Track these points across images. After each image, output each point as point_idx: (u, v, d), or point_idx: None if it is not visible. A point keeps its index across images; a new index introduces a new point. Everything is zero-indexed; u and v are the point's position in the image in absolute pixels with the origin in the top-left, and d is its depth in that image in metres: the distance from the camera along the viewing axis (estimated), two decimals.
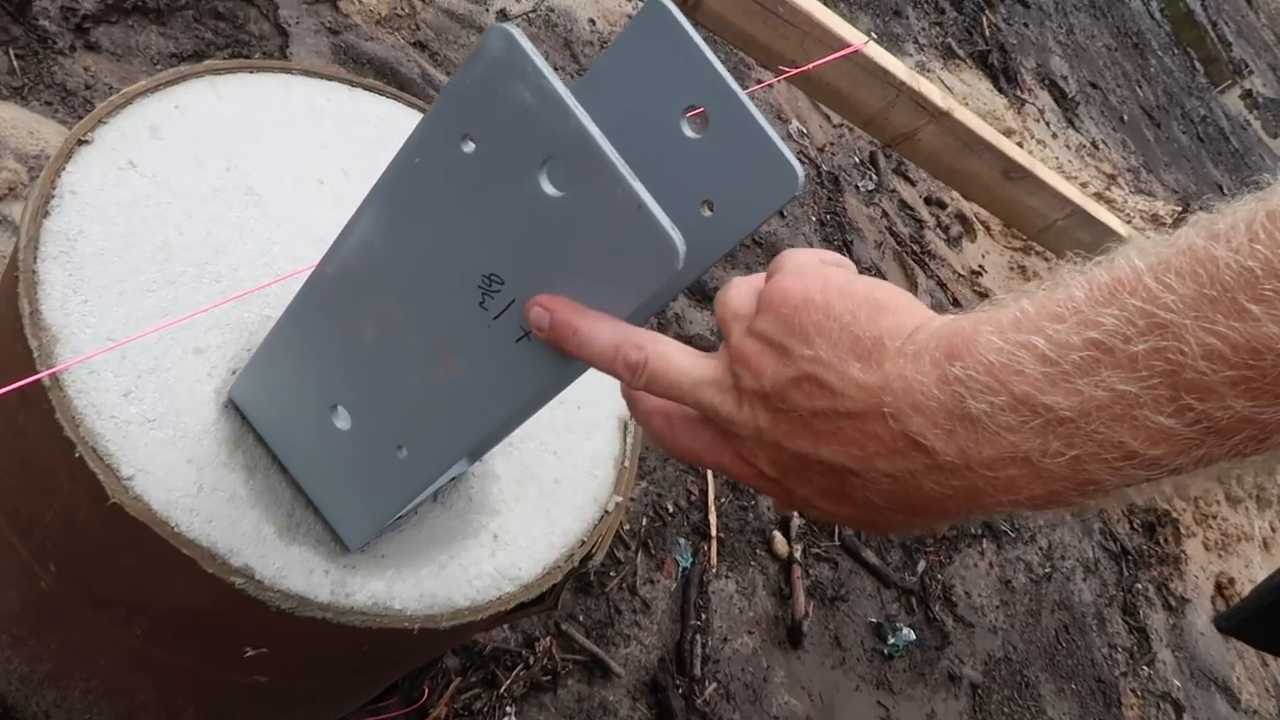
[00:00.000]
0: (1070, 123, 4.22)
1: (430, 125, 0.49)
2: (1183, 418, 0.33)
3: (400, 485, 0.62)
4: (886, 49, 3.35)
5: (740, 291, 0.48)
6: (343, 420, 0.62)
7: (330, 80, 0.91)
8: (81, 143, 0.72)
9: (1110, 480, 0.36)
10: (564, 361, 0.50)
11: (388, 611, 0.68)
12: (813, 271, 0.44)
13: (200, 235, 0.74)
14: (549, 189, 0.46)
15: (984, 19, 3.97)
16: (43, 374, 0.61)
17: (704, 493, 1.60)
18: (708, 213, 0.59)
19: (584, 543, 0.82)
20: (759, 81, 2.29)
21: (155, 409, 0.65)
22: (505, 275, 0.50)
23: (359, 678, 0.83)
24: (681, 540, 1.51)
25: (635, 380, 0.47)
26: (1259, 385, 0.32)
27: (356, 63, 1.70)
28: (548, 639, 1.27)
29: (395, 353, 0.57)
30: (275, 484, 0.68)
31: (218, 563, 0.63)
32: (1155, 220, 3.57)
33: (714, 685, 1.41)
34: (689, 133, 0.57)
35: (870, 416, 0.41)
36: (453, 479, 0.77)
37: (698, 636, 1.42)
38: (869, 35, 1.33)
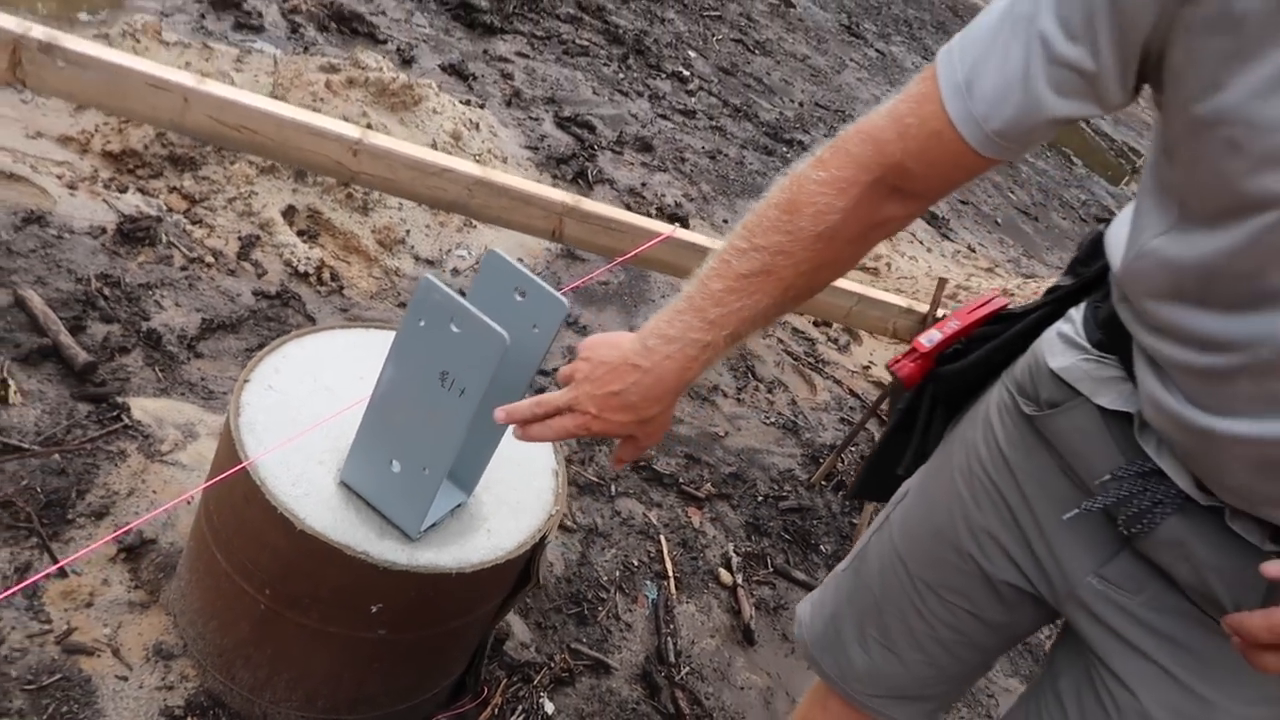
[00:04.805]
0: (945, 236, 5.05)
1: (405, 321, 1.22)
2: (729, 292, 1.04)
3: (427, 488, 1.31)
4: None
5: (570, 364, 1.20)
6: (395, 466, 1.32)
7: (361, 328, 1.67)
8: (245, 381, 1.45)
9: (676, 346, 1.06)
10: (478, 402, 1.21)
11: (437, 567, 1.35)
12: (593, 337, 1.16)
13: (309, 414, 1.46)
14: (456, 330, 1.19)
15: None
16: (244, 463, 1.32)
17: (660, 551, 2.24)
18: (535, 330, 1.31)
19: (539, 530, 1.49)
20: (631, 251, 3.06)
21: (308, 489, 1.35)
22: (449, 369, 1.21)
23: (434, 632, 1.48)
24: (648, 582, 2.15)
25: (539, 409, 1.17)
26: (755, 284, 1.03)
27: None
28: (561, 653, 1.89)
29: (412, 422, 1.28)
30: (370, 515, 1.37)
31: (353, 551, 1.30)
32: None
33: (688, 669, 2.01)
34: (519, 299, 1.31)
35: (622, 364, 1.09)
36: (460, 504, 1.45)
37: (670, 639, 2.03)
38: (674, 225, 2.11)
